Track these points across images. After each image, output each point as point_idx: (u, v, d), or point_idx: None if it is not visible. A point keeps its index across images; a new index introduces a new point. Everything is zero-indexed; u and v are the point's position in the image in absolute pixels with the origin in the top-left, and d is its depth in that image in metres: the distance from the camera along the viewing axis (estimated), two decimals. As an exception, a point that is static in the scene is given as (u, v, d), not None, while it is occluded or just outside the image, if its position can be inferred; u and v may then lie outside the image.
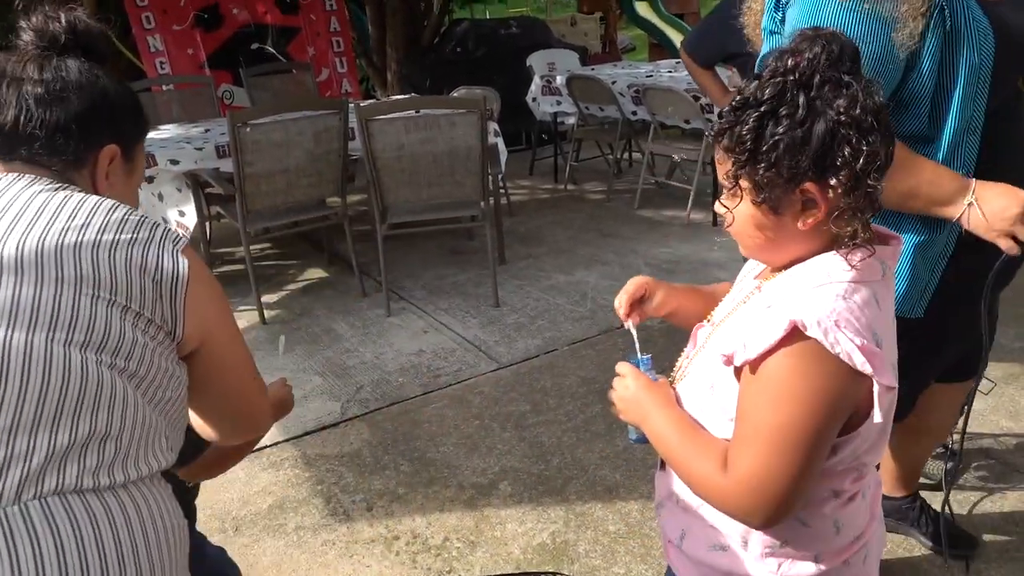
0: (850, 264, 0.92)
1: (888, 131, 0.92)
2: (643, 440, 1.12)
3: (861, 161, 0.88)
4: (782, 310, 0.90)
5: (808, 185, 0.90)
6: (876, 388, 0.90)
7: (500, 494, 2.39)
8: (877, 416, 0.92)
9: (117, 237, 0.91)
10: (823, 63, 0.90)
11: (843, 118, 0.88)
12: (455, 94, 4.99)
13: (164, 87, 5.53)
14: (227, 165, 3.69)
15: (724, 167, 0.97)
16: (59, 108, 0.97)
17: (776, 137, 0.90)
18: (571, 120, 5.90)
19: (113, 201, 0.96)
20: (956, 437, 2.37)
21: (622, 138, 5.51)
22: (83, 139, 0.99)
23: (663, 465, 1.16)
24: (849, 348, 0.87)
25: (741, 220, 0.98)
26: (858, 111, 0.88)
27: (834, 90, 0.89)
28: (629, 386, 1.11)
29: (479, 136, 3.55)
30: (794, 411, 0.89)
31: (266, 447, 2.70)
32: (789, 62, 0.91)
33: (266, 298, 4.02)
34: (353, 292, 4.02)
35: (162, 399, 0.95)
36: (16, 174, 0.96)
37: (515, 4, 18.22)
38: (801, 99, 0.89)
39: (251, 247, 3.90)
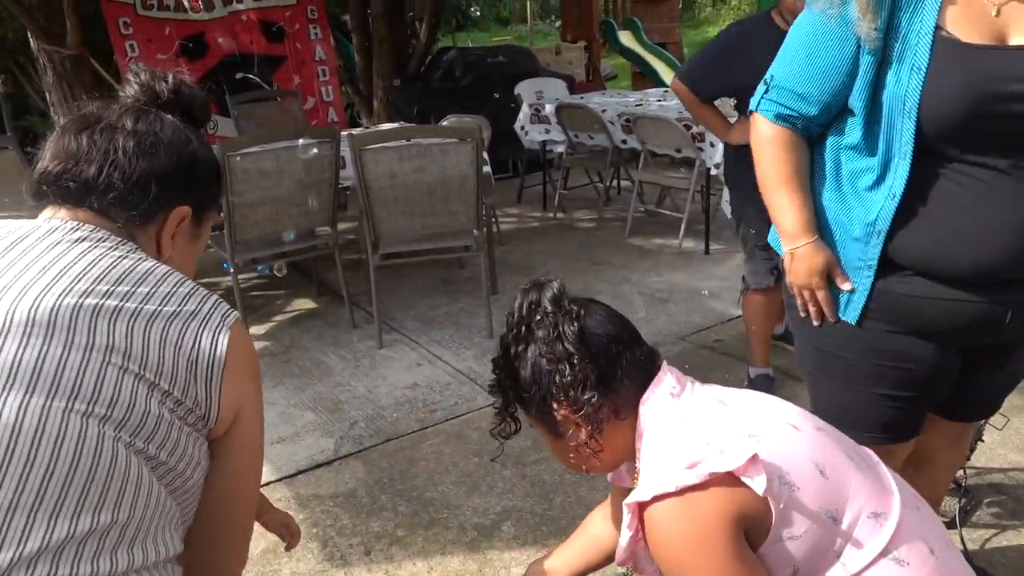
0: (656, 409, 1.06)
1: (588, 351, 1.07)
2: None
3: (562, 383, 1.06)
4: (625, 510, 0.99)
5: (554, 409, 1.09)
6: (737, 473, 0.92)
7: (503, 536, 2.31)
8: (758, 486, 0.90)
9: (160, 308, 0.86)
10: (523, 312, 1.14)
11: (542, 353, 1.09)
12: (445, 122, 4.96)
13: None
14: (215, 194, 3.61)
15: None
16: (145, 163, 0.95)
17: (514, 383, 1.14)
18: (560, 148, 5.89)
19: (167, 269, 0.92)
20: (965, 472, 2.33)
21: (611, 166, 5.50)
22: (159, 198, 0.96)
23: None
24: (683, 479, 0.92)
25: (557, 452, 1.18)
26: (550, 347, 1.08)
27: (533, 331, 1.11)
28: None
29: (474, 165, 3.51)
30: (703, 562, 0.91)
31: (257, 487, 2.60)
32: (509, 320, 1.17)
33: (254, 329, 3.93)
34: (343, 323, 3.93)
35: (180, 488, 0.87)
36: (76, 223, 0.91)
37: (498, 34, 18.41)
38: (513, 349, 1.14)
39: (238, 276, 3.82)
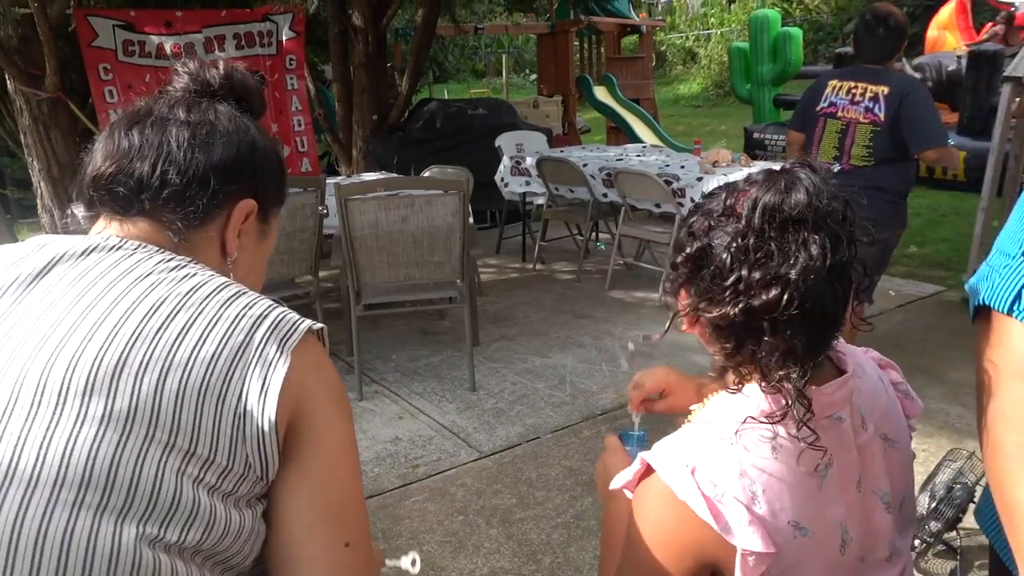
0: (757, 403, 0.87)
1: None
2: None
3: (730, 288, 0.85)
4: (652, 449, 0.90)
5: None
6: (738, 552, 0.81)
7: (492, 599, 2.24)
8: None
9: (197, 352, 0.72)
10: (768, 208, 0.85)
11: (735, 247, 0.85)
12: (427, 173, 4.97)
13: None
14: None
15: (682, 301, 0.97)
16: (201, 154, 0.84)
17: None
18: (540, 200, 5.93)
19: (215, 287, 0.78)
20: (958, 534, 2.32)
21: (592, 219, 5.54)
22: (219, 192, 0.85)
23: None
24: (692, 497, 0.82)
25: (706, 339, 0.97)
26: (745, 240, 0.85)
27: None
28: (604, 460, 1.12)
29: (459, 216, 3.51)
30: (637, 551, 0.87)
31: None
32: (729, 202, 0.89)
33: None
34: (322, 374, 3.85)
35: (228, 561, 0.74)
36: (118, 244, 0.80)
37: (474, 86, 18.68)
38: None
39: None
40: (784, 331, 0.83)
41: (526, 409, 3.44)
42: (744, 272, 0.83)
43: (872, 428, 0.95)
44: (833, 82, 3.22)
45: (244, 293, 0.79)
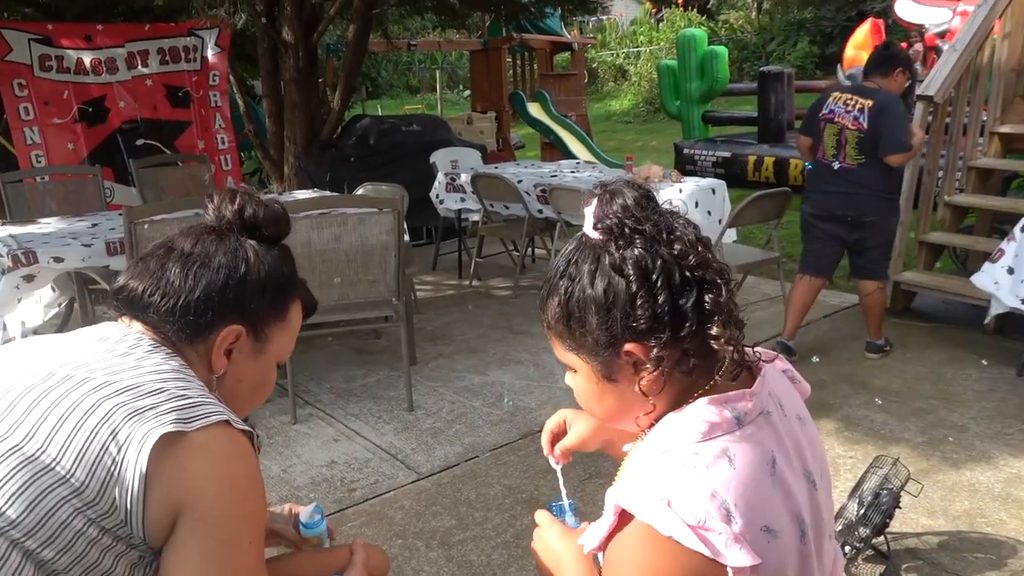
0: (695, 421, 0.87)
1: (703, 275, 0.86)
2: None
3: (668, 314, 0.84)
4: (613, 494, 0.86)
5: (629, 347, 0.87)
6: (729, 572, 0.81)
7: (432, 624, 2.20)
8: None
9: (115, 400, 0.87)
10: (616, 218, 0.86)
11: (631, 272, 0.84)
12: (361, 190, 4.91)
13: (38, 179, 5.17)
14: (119, 263, 3.43)
15: (552, 344, 0.95)
16: (188, 284, 0.99)
17: (578, 302, 0.87)
18: (475, 216, 5.93)
19: (168, 370, 0.93)
20: (887, 539, 2.39)
21: (527, 235, 5.56)
22: (201, 318, 0.99)
23: None
24: (678, 530, 0.80)
25: (582, 395, 0.95)
26: (649, 263, 0.84)
27: (628, 244, 0.85)
28: (543, 537, 1.05)
29: (394, 234, 3.47)
30: None
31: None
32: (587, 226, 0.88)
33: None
34: (254, 397, 3.75)
35: None
36: (126, 330, 0.98)
37: (408, 102, 18.62)
38: (587, 264, 0.87)
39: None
40: (702, 307, 0.86)
41: (464, 428, 3.41)
42: (667, 282, 0.85)
43: (788, 411, 0.97)
44: (835, 94, 3.89)
45: (174, 378, 0.93)
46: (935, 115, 4.49)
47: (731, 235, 4.72)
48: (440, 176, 5.98)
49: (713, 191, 4.87)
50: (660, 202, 0.91)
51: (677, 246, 0.86)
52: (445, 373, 4.04)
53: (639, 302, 0.84)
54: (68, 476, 0.81)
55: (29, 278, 3.36)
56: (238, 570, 0.87)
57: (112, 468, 0.82)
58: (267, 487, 2.93)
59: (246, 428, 0.92)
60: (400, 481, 2.98)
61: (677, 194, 4.65)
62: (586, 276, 0.87)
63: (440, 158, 6.28)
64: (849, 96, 3.81)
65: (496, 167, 6.22)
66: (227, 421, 0.90)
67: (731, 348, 0.90)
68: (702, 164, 9.14)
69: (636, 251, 0.85)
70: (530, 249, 6.31)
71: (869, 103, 3.70)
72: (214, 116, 6.68)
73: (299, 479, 3.01)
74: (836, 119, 3.79)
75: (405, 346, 3.67)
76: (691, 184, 4.83)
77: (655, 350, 0.86)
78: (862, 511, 2.29)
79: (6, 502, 0.79)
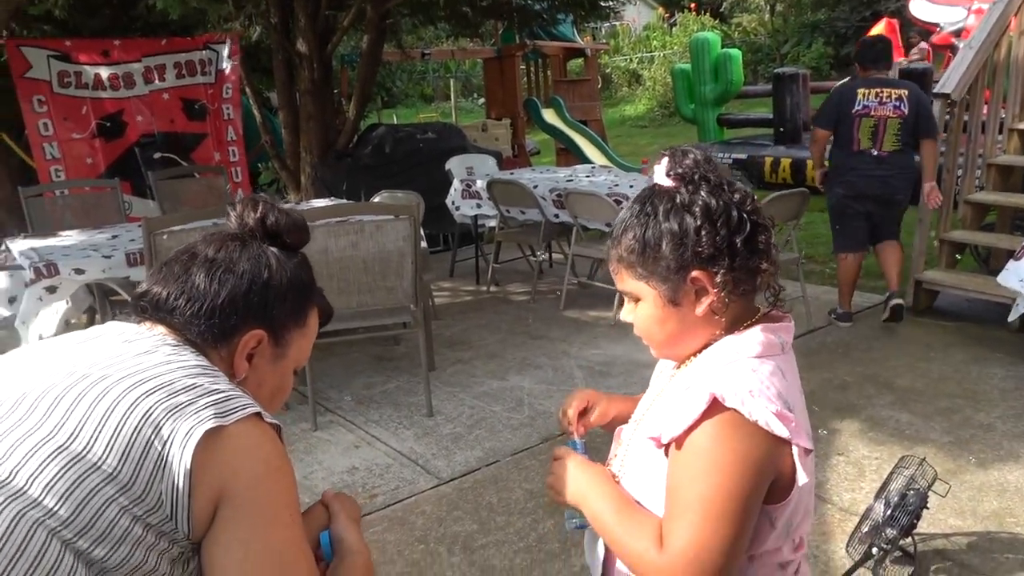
0: (754, 342, 1.02)
1: (756, 219, 1.02)
2: (583, 526, 1.12)
3: (729, 247, 1.00)
4: (701, 386, 0.97)
5: (696, 273, 1.01)
6: (796, 450, 0.96)
7: (455, 629, 2.19)
8: (803, 477, 0.97)
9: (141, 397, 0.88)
10: (688, 168, 1.03)
11: (698, 210, 1.00)
12: (377, 198, 4.93)
13: (58, 193, 5.23)
14: (139, 273, 3.46)
15: (620, 277, 1.08)
16: (212, 290, 1.00)
17: (654, 234, 1.02)
18: (491, 222, 5.93)
19: (191, 366, 0.94)
20: (914, 540, 2.36)
21: (544, 240, 5.56)
22: (223, 323, 1.01)
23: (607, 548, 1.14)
24: (766, 415, 0.94)
25: (645, 321, 1.08)
26: (714, 203, 1.00)
27: (696, 189, 1.01)
28: (566, 466, 1.12)
29: (411, 241, 3.48)
30: (721, 480, 0.93)
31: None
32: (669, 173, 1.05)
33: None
34: (274, 405, 3.76)
35: None
36: (149, 331, 0.99)
37: (423, 110, 18.71)
38: (662, 204, 1.03)
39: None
40: (756, 245, 1.02)
41: (484, 433, 3.40)
42: (733, 219, 1.01)
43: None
44: (862, 90, 4.23)
45: (201, 375, 0.93)
46: (952, 112, 4.45)
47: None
48: (456, 183, 6.00)
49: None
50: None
51: (736, 194, 1.02)
52: (464, 378, 4.04)
53: (704, 234, 0.99)
54: (115, 473, 0.82)
55: (51, 289, 3.40)
56: (284, 548, 0.88)
57: (159, 463, 0.83)
58: (289, 494, 2.95)
59: (274, 422, 0.95)
60: (421, 486, 2.97)
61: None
62: (661, 213, 1.02)
63: (455, 165, 6.29)
64: (879, 89, 4.18)
65: (512, 173, 6.23)
66: (259, 413, 0.93)
67: (775, 284, 1.06)
68: (718, 167, 9.10)
69: (703, 193, 1.00)
70: (547, 254, 6.31)
71: (904, 92, 4.16)
72: (227, 128, 6.73)
73: (320, 486, 3.02)
74: (872, 112, 4.17)
75: (424, 352, 3.67)
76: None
77: (717, 276, 1.00)
78: (889, 512, 2.26)
79: (58, 502, 0.79)
